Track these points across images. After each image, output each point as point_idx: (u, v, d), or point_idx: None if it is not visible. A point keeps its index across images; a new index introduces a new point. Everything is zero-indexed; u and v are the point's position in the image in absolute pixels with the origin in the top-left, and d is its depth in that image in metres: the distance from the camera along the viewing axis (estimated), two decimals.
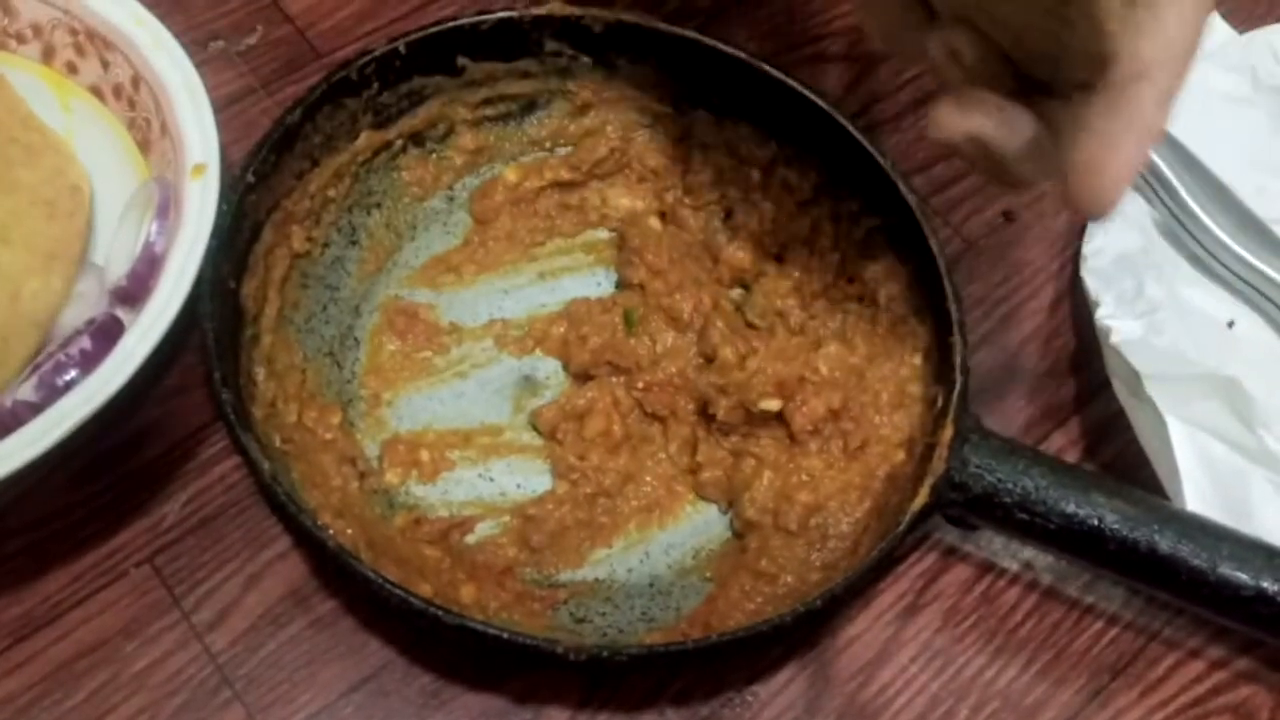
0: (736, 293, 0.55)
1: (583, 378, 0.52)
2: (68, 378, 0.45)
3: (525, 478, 0.50)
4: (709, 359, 0.51)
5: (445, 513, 0.49)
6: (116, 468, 0.49)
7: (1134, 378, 0.51)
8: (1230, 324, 0.57)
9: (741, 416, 0.49)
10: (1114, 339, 0.52)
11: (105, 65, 0.52)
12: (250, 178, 0.47)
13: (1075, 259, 0.58)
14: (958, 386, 0.47)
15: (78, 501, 0.49)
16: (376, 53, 0.51)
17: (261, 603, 0.47)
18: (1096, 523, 0.46)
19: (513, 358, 0.53)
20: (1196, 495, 0.49)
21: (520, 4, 0.54)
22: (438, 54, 0.52)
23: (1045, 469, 0.47)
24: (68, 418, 0.42)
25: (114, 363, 0.44)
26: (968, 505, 0.47)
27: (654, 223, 0.55)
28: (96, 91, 0.53)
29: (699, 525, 0.50)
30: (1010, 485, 0.46)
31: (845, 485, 0.48)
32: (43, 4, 0.52)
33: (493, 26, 0.52)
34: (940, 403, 0.48)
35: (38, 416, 0.43)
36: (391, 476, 0.49)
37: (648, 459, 0.51)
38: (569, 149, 0.56)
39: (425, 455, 0.50)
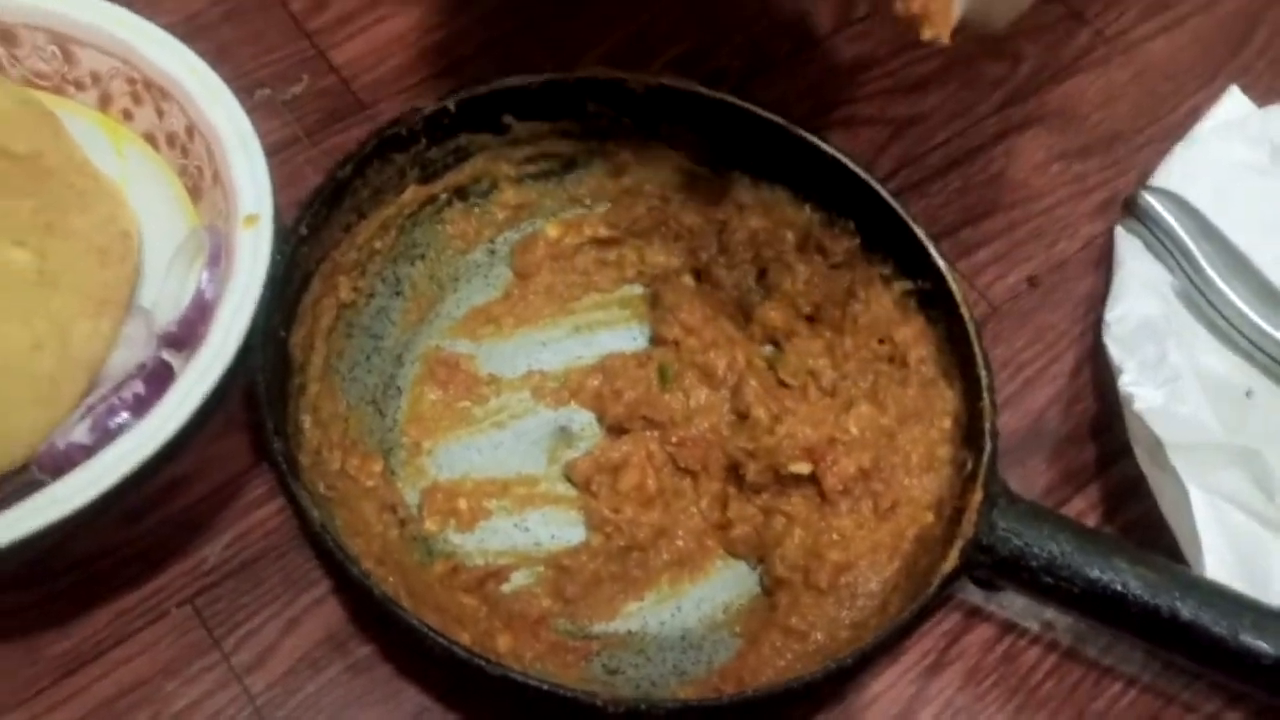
0: (768, 350, 0.56)
1: (617, 431, 0.53)
2: (119, 420, 0.46)
3: (559, 529, 0.52)
4: (742, 416, 0.52)
5: (481, 561, 0.50)
6: (160, 509, 0.50)
7: (1156, 445, 0.52)
8: (1249, 393, 0.58)
9: (771, 478, 0.50)
10: (1136, 406, 0.53)
11: (160, 114, 0.54)
12: (303, 230, 0.49)
13: (1097, 325, 0.59)
14: (987, 451, 0.48)
15: (122, 541, 0.50)
16: (426, 110, 0.52)
17: (300, 646, 0.48)
18: (1120, 588, 0.47)
19: (549, 409, 0.54)
20: (1217, 563, 0.50)
21: (551, 62, 0.55)
22: (485, 113, 0.54)
23: (1070, 534, 0.48)
24: (124, 462, 0.43)
25: (168, 408, 0.45)
26: (994, 568, 0.48)
27: (688, 280, 0.57)
28: (150, 139, 0.55)
29: (729, 580, 0.51)
30: (1036, 550, 0.47)
31: (875, 545, 0.49)
32: (102, 54, 0.53)
33: (539, 87, 0.54)
34: (970, 466, 0.49)
35: (91, 459, 0.44)
36: (430, 524, 0.50)
37: (679, 513, 0.52)
38: (608, 206, 0.57)
39: (463, 504, 0.51)
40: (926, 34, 0.38)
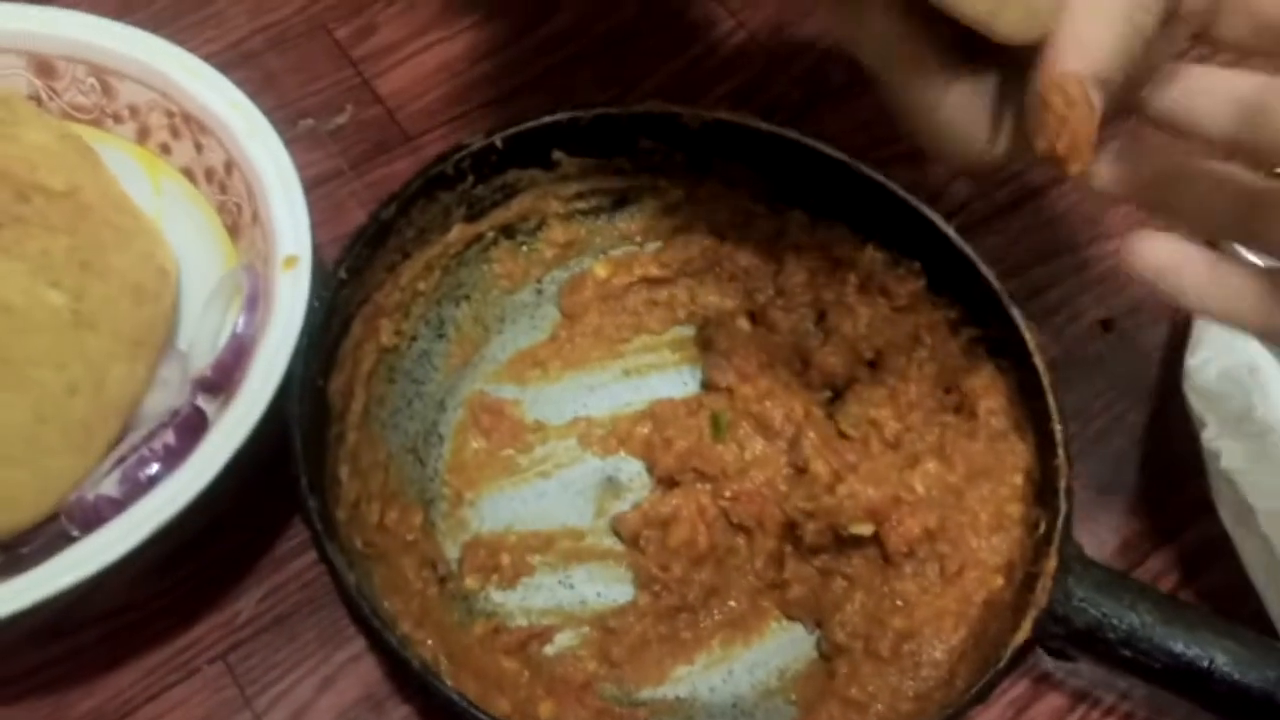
0: (828, 397, 0.53)
1: (668, 483, 0.51)
2: (150, 472, 0.45)
3: (606, 586, 0.49)
4: (800, 470, 0.50)
5: (524, 621, 0.48)
6: (191, 561, 0.49)
7: (1243, 507, 0.49)
8: None
9: (831, 538, 0.48)
10: (1222, 464, 0.50)
11: (199, 148, 0.52)
12: (344, 273, 0.47)
13: (1176, 372, 0.56)
14: (1062, 512, 0.45)
15: (152, 594, 0.48)
16: (473, 147, 0.50)
17: (335, 706, 0.46)
18: (1206, 664, 0.44)
19: (596, 458, 0.52)
20: None
21: (602, 96, 0.53)
22: (534, 148, 0.51)
23: (1152, 604, 0.44)
24: (154, 516, 0.42)
25: (200, 461, 0.43)
26: (1069, 639, 0.45)
27: (743, 323, 0.54)
28: (188, 173, 0.53)
29: (785, 645, 0.48)
30: (1115, 621, 0.44)
31: (940, 611, 0.46)
32: (142, 86, 0.52)
33: (590, 122, 0.51)
34: (1043, 528, 0.46)
35: (121, 514, 0.42)
36: (471, 581, 0.48)
37: (732, 572, 0.49)
38: (659, 245, 0.55)
39: (506, 559, 0.48)
40: (1074, 169, 0.35)
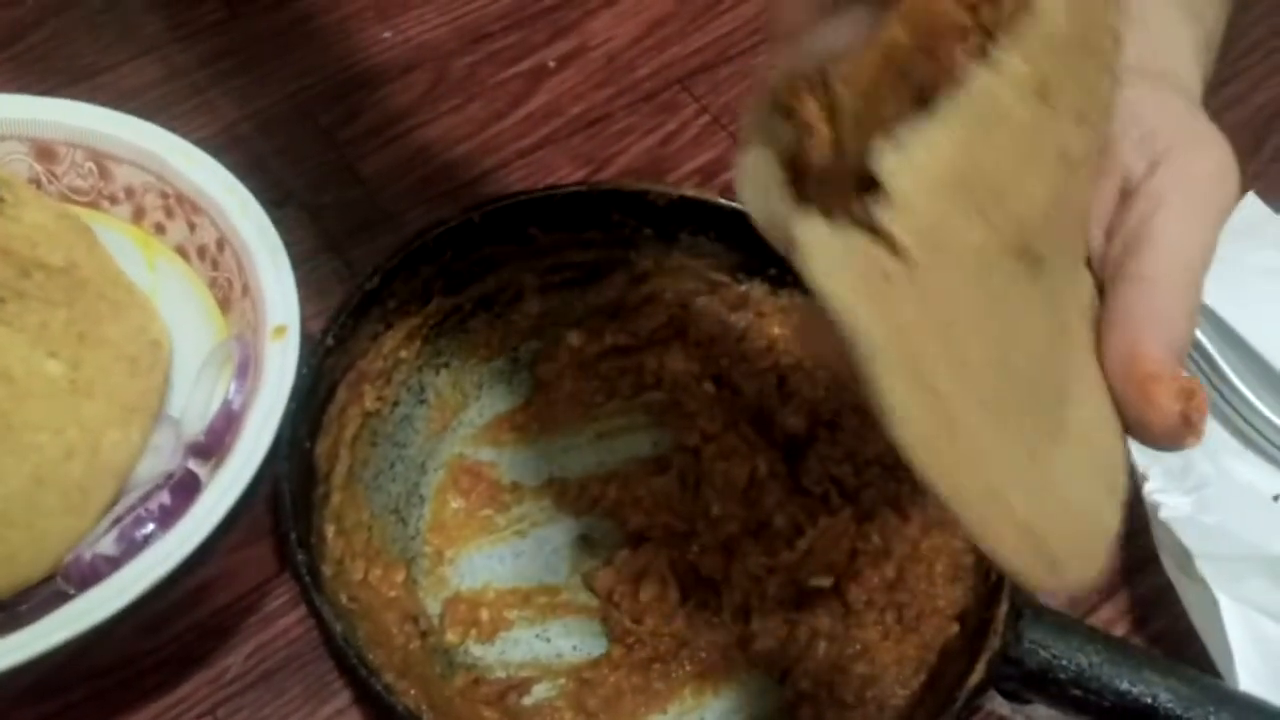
0: (789, 456, 0.56)
1: (638, 540, 0.53)
2: (146, 532, 0.47)
3: (581, 639, 0.51)
4: (763, 524, 0.52)
5: (503, 673, 0.50)
6: (182, 618, 0.50)
7: (1183, 554, 0.51)
8: (1276, 498, 0.58)
9: (794, 591, 0.50)
10: (1163, 515, 0.53)
11: (192, 227, 0.55)
12: (330, 341, 0.49)
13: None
14: None
15: (143, 651, 0.49)
16: (452, 223, 0.53)
17: None
18: (1150, 701, 0.46)
19: (570, 517, 0.54)
20: (1249, 674, 0.49)
21: (575, 174, 0.56)
22: (510, 224, 0.54)
23: (1100, 646, 0.47)
24: (150, 573, 0.44)
25: (194, 520, 0.45)
26: (1022, 680, 0.47)
27: (708, 387, 0.57)
28: (182, 251, 0.56)
29: (753, 693, 0.50)
30: (1064, 662, 0.47)
31: (900, 657, 0.49)
32: (138, 169, 0.55)
33: (564, 199, 0.55)
34: (994, 576, 0.48)
35: (118, 571, 0.44)
36: (451, 635, 0.50)
37: (702, 624, 0.51)
38: (629, 314, 0.58)
39: (485, 614, 0.50)
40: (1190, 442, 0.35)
